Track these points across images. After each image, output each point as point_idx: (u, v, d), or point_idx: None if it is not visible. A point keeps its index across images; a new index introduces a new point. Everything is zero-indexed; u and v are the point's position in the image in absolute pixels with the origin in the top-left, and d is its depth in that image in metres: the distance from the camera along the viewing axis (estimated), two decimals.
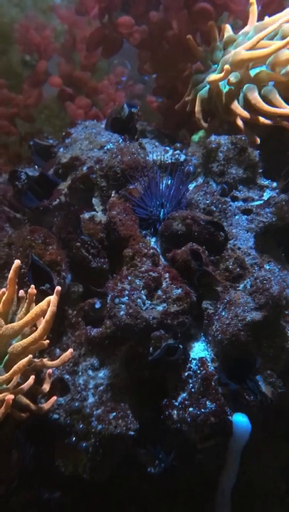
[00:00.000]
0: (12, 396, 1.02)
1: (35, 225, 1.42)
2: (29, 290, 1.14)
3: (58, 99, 2.33)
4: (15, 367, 1.05)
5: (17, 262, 1.13)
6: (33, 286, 1.15)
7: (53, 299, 1.11)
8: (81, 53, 2.28)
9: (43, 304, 1.09)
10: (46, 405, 1.15)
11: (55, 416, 1.22)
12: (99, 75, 2.44)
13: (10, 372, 1.06)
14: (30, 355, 1.07)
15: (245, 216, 1.43)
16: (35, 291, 1.14)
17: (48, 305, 1.09)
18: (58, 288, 1.12)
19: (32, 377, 1.09)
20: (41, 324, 1.10)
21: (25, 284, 1.29)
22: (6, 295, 1.14)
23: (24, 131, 2.33)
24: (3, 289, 1.16)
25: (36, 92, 2.27)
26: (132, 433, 1.18)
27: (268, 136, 1.61)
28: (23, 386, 1.08)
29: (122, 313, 1.20)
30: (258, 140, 1.57)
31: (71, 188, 1.55)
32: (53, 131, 2.47)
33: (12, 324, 1.10)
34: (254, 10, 1.62)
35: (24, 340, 1.09)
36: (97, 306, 1.33)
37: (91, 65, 2.28)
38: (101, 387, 1.25)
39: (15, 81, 2.40)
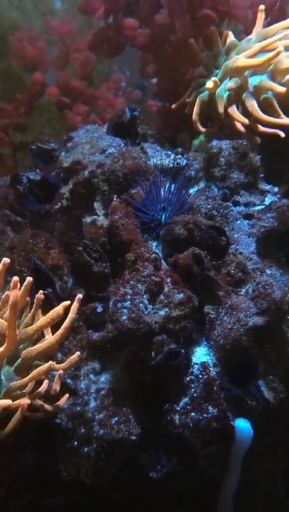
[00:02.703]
0: (28, 401, 1.02)
1: (36, 229, 1.42)
2: (37, 295, 1.14)
3: (57, 108, 2.33)
4: (34, 373, 1.04)
5: (29, 280, 1.11)
6: (41, 291, 1.15)
7: (73, 305, 1.10)
8: (76, 62, 2.28)
9: (58, 308, 1.08)
10: (61, 402, 1.14)
11: (57, 420, 1.22)
12: (100, 80, 2.44)
13: (28, 377, 1.04)
14: (51, 362, 1.06)
15: (247, 221, 1.44)
16: (43, 296, 1.14)
17: (64, 310, 1.08)
18: (80, 296, 1.12)
19: (46, 382, 1.08)
20: (60, 330, 1.08)
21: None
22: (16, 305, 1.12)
23: (17, 141, 2.33)
24: (7, 292, 1.15)
25: (27, 100, 2.27)
26: (133, 438, 1.18)
27: (268, 138, 1.62)
28: (39, 390, 1.07)
29: (124, 317, 1.20)
30: (259, 140, 1.58)
31: (73, 192, 1.55)
32: (54, 133, 2.47)
33: (26, 329, 1.09)
34: (261, 17, 1.63)
35: (40, 345, 1.08)
36: (99, 310, 1.33)
37: (87, 73, 2.28)
38: (103, 392, 1.25)
39: (15, 83, 2.41)
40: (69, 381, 1.26)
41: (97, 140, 1.63)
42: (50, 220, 1.50)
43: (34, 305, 1.15)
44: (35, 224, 1.54)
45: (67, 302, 1.09)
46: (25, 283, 1.10)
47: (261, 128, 1.54)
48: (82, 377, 1.27)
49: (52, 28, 2.26)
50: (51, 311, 1.09)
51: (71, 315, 1.10)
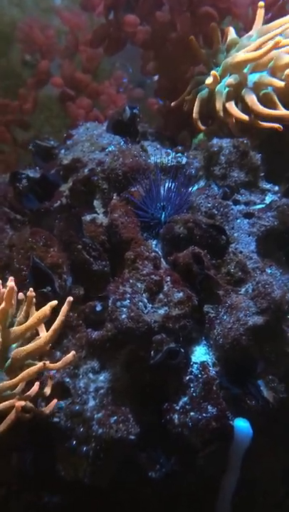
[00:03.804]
0: (22, 403, 1.02)
1: (36, 227, 1.42)
2: (28, 293, 1.14)
3: (59, 101, 2.32)
4: (24, 373, 1.04)
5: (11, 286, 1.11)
6: (31, 289, 1.14)
7: (63, 308, 1.10)
8: (83, 55, 2.28)
9: (45, 308, 1.08)
10: (47, 409, 1.15)
11: (56, 419, 1.21)
12: (102, 77, 2.44)
13: (17, 378, 1.04)
14: (42, 363, 1.06)
15: (247, 220, 1.43)
16: (33, 293, 1.14)
17: (51, 310, 1.08)
18: (70, 298, 1.12)
19: (37, 384, 1.08)
20: (49, 332, 1.09)
21: (26, 287, 1.28)
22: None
23: (21, 139, 2.33)
24: (3, 290, 1.15)
25: (32, 97, 2.27)
26: (132, 437, 1.17)
27: (269, 137, 1.61)
28: (29, 393, 1.07)
29: (123, 316, 1.20)
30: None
31: (72, 190, 1.54)
32: (53, 131, 2.46)
33: (14, 328, 1.09)
34: (261, 13, 1.62)
35: (28, 346, 1.08)
36: (98, 308, 1.33)
37: (93, 67, 2.28)
38: (102, 391, 1.24)
39: (15, 81, 2.40)
40: (67, 380, 1.25)
41: (97, 138, 1.63)
42: (49, 218, 1.50)
43: (26, 303, 1.15)
44: (35, 222, 1.53)
45: (55, 302, 1.09)
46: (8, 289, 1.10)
47: (261, 123, 1.54)
48: (81, 376, 1.27)
49: (64, 19, 2.26)
50: (39, 310, 1.09)
51: (60, 317, 1.10)
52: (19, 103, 2.25)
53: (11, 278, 1.14)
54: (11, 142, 2.30)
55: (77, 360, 1.28)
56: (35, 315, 1.09)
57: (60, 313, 1.10)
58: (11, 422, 1.03)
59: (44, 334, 1.14)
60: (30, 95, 2.26)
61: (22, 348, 1.09)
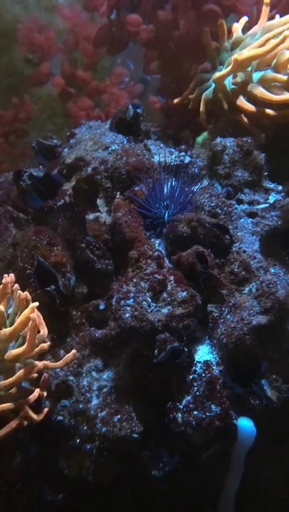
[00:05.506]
0: (30, 412, 1.03)
1: (39, 226, 1.42)
2: (20, 295, 1.14)
3: (59, 98, 2.32)
4: (19, 373, 1.05)
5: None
6: (18, 289, 1.16)
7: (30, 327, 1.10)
8: (84, 53, 2.28)
9: (27, 312, 1.09)
10: (38, 418, 1.15)
11: (60, 417, 1.22)
12: (102, 74, 2.44)
13: (13, 377, 1.05)
14: (42, 363, 1.07)
15: (251, 219, 1.43)
16: (27, 293, 1.15)
17: (33, 311, 1.10)
18: (36, 304, 1.12)
19: (37, 391, 1.10)
20: (37, 348, 1.11)
21: (31, 285, 1.29)
22: None
23: (21, 147, 2.33)
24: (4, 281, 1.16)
25: (26, 104, 2.27)
26: (136, 436, 1.18)
27: (274, 137, 1.61)
28: (29, 398, 1.08)
29: (127, 315, 1.20)
30: (263, 135, 1.58)
31: (76, 189, 1.54)
32: (55, 129, 2.46)
33: (4, 330, 1.10)
34: (266, 11, 1.62)
35: (18, 350, 1.09)
36: (102, 307, 1.33)
37: (93, 64, 2.28)
38: (105, 389, 1.25)
39: (17, 79, 2.40)
40: (71, 378, 1.26)
41: (100, 136, 1.62)
42: (53, 217, 1.50)
43: (18, 304, 1.15)
44: (38, 221, 1.53)
45: (36, 303, 1.11)
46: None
47: (269, 111, 1.54)
48: (84, 375, 1.27)
49: (65, 16, 2.26)
50: (21, 315, 1.09)
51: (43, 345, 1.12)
52: (13, 112, 2.26)
53: (11, 275, 1.16)
54: (9, 152, 2.30)
55: (80, 358, 1.28)
56: (19, 320, 1.10)
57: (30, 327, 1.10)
58: (11, 429, 1.04)
59: (45, 330, 1.17)
60: (24, 103, 2.27)
61: (13, 350, 1.10)
